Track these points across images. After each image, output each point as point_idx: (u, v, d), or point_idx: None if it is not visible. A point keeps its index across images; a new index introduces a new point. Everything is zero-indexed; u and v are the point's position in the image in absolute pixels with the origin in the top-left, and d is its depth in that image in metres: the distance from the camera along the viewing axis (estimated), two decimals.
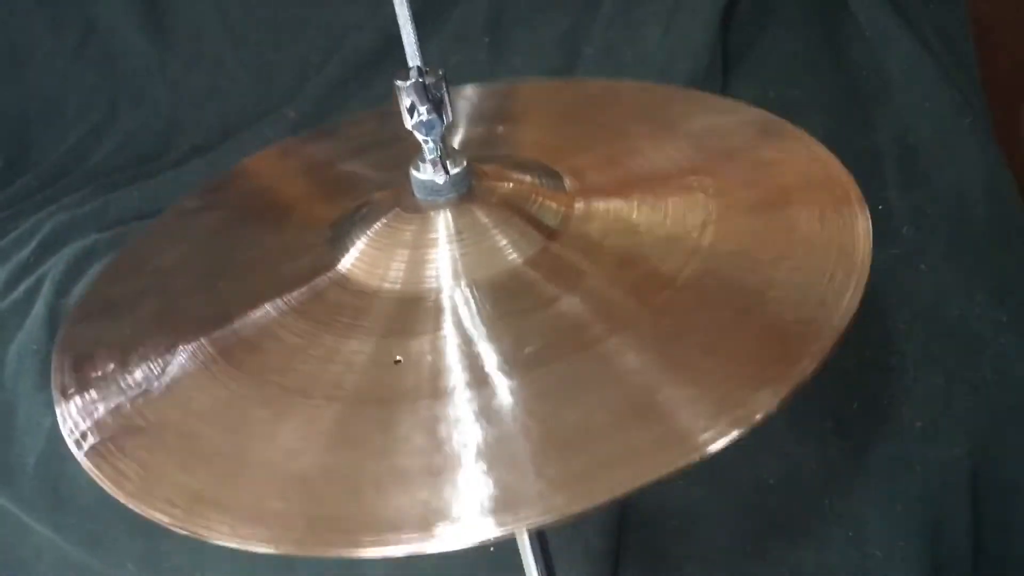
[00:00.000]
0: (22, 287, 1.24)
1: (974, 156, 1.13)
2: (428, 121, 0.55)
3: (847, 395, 0.95)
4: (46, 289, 1.21)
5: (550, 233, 0.58)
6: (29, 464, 1.08)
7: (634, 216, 0.59)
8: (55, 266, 1.25)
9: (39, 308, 1.18)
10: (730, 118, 0.70)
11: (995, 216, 1.08)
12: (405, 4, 0.54)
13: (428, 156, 0.58)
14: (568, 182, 0.63)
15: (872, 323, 0.99)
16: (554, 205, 0.60)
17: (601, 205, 0.60)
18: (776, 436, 0.94)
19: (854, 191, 0.57)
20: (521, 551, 0.68)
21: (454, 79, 0.84)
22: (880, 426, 0.94)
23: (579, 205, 0.60)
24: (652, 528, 0.95)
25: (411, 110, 0.56)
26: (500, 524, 0.41)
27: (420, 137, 0.57)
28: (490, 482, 0.43)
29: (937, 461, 0.92)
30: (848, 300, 0.49)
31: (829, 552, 0.91)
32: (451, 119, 0.57)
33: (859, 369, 0.96)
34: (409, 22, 0.55)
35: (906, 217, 1.07)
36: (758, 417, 0.43)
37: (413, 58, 0.56)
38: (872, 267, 0.51)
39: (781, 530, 0.93)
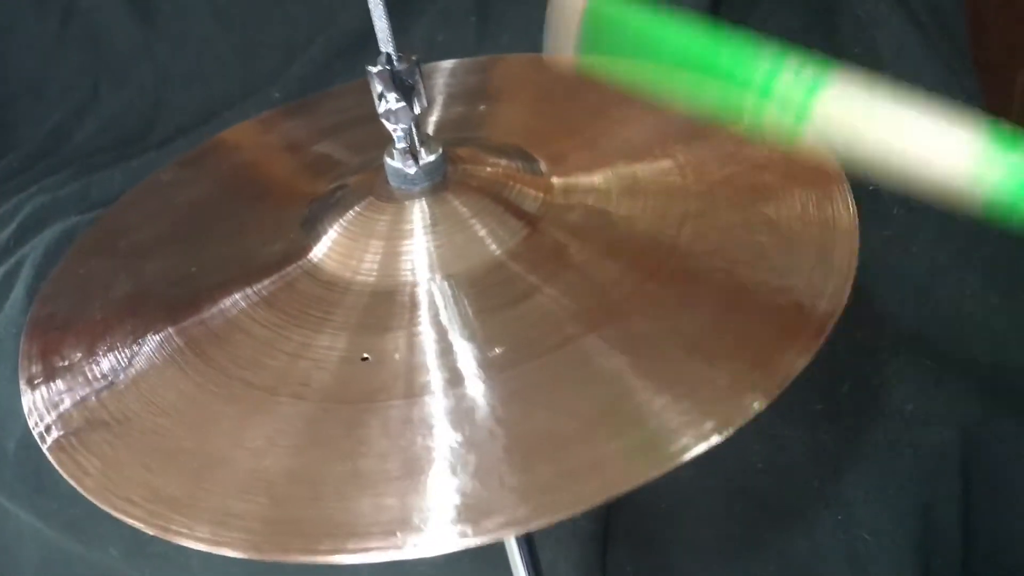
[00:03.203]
0: (1, 270, 1.22)
1: None
2: (396, 110, 0.54)
3: (837, 377, 0.94)
4: (26, 272, 1.19)
5: (528, 221, 0.56)
6: (9, 449, 1.07)
7: (613, 205, 0.57)
8: (35, 249, 1.23)
9: (18, 291, 1.16)
10: None
11: None
12: None
13: (398, 145, 0.56)
14: (546, 167, 0.61)
15: (863, 305, 0.98)
16: (532, 192, 0.58)
17: (580, 193, 0.59)
18: (765, 419, 0.93)
19: (840, 178, 0.56)
20: (505, 538, 0.67)
21: (440, 58, 0.82)
22: (870, 409, 0.93)
23: (558, 192, 0.59)
24: (641, 511, 0.94)
25: (380, 97, 0.54)
26: (462, 535, 0.40)
27: (389, 126, 0.55)
28: (454, 490, 0.42)
29: (928, 444, 0.91)
30: (832, 295, 0.47)
31: (818, 536, 0.90)
32: (424, 107, 0.55)
33: (849, 351, 0.95)
34: (380, 5, 0.53)
35: (897, 198, 1.05)
36: (738, 423, 0.41)
37: (385, 43, 0.54)
38: (863, 249, 0.50)
39: (770, 513, 0.93)
